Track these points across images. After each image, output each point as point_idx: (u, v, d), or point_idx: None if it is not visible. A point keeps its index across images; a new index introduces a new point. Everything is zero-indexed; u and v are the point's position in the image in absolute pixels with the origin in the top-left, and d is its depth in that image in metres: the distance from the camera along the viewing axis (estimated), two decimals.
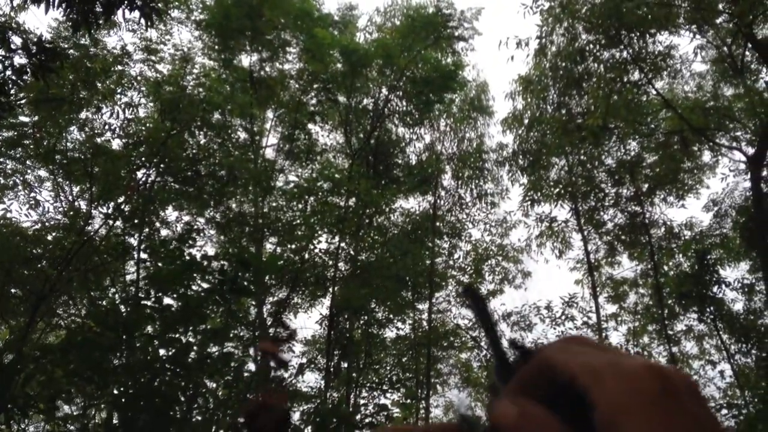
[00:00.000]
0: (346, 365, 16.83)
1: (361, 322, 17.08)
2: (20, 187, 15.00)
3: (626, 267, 20.36)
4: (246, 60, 19.24)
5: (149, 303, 5.97)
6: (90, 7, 7.63)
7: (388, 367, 17.65)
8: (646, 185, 19.23)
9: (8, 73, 7.94)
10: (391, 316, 17.43)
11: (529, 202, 19.57)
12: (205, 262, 6.28)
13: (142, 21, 8.11)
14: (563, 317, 17.97)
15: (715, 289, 17.58)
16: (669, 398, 0.37)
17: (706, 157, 19.25)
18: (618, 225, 19.53)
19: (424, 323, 18.96)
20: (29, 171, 15.49)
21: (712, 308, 17.54)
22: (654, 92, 16.72)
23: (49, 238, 13.75)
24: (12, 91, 8.33)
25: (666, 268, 19.54)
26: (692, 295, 17.34)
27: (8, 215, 13.92)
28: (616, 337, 19.64)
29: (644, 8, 14.92)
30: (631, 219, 19.18)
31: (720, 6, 15.02)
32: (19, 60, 7.89)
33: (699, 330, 19.41)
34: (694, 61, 17.75)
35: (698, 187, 19.44)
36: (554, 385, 0.42)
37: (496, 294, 20.41)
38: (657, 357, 18.80)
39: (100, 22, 8.00)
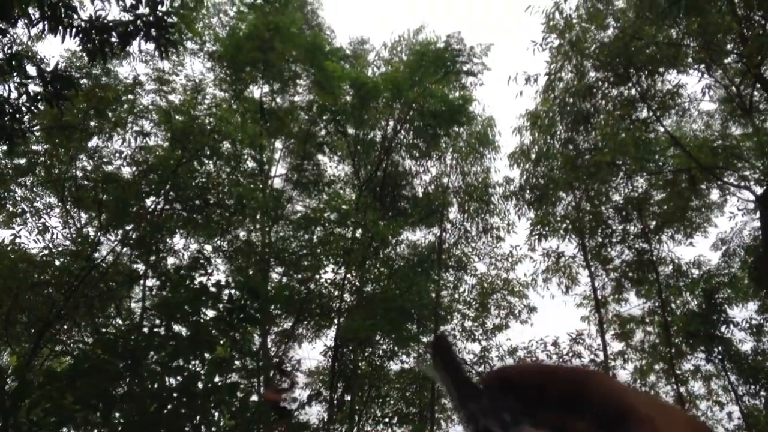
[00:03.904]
0: (349, 398, 16.68)
1: (366, 354, 16.96)
2: (28, 215, 15.03)
3: (633, 304, 20.21)
4: (257, 91, 19.48)
5: (160, 331, 5.96)
6: (106, 38, 7.75)
7: (392, 401, 17.47)
8: (654, 222, 19.17)
9: (23, 99, 8.02)
10: (396, 348, 17.30)
11: (536, 237, 19.52)
12: (215, 290, 6.29)
13: (157, 53, 8.23)
14: (570, 354, 17.80)
15: (723, 328, 17.46)
16: None
17: (715, 195, 19.25)
18: (625, 262, 19.43)
19: (429, 356, 18.79)
20: (38, 198, 15.56)
21: (720, 348, 17.39)
22: (662, 130, 16.80)
23: (57, 263, 13.75)
24: (26, 119, 8.41)
25: (673, 306, 19.39)
26: (700, 335, 17.21)
27: (17, 241, 13.93)
28: (623, 376, 19.42)
29: (653, 47, 15.07)
30: (638, 256, 19.08)
31: (729, 46, 15.16)
32: (33, 88, 7.98)
33: (707, 370, 19.17)
34: (702, 100, 17.87)
35: (706, 226, 19.40)
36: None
37: (501, 329, 20.24)
38: (664, 396, 18.54)
39: (116, 52, 8.12)
